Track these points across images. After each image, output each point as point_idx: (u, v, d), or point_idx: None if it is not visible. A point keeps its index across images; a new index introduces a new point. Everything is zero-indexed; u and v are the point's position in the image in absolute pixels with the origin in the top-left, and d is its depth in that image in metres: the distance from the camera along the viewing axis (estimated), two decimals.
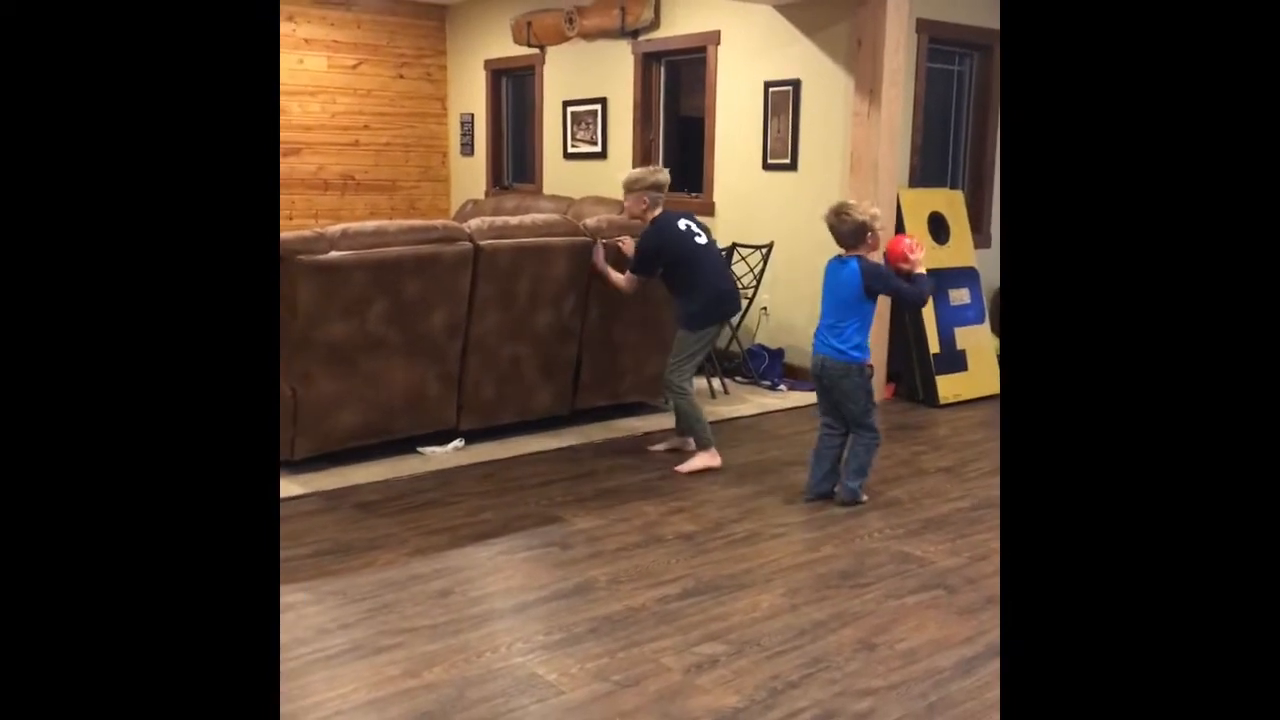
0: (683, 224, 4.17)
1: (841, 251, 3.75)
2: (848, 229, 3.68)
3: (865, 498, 3.82)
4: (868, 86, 5.25)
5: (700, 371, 5.48)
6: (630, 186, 4.20)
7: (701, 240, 4.19)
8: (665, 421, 4.72)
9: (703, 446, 4.18)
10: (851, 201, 3.81)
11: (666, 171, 4.36)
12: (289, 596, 2.89)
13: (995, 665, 2.58)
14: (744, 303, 5.74)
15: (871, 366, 3.80)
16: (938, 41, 5.77)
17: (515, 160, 8.26)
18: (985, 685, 2.48)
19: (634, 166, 6.81)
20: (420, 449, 4.32)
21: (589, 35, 7.00)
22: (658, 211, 4.19)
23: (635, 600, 2.92)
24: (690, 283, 4.14)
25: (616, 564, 3.18)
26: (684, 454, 4.28)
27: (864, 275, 3.66)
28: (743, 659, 2.58)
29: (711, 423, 4.91)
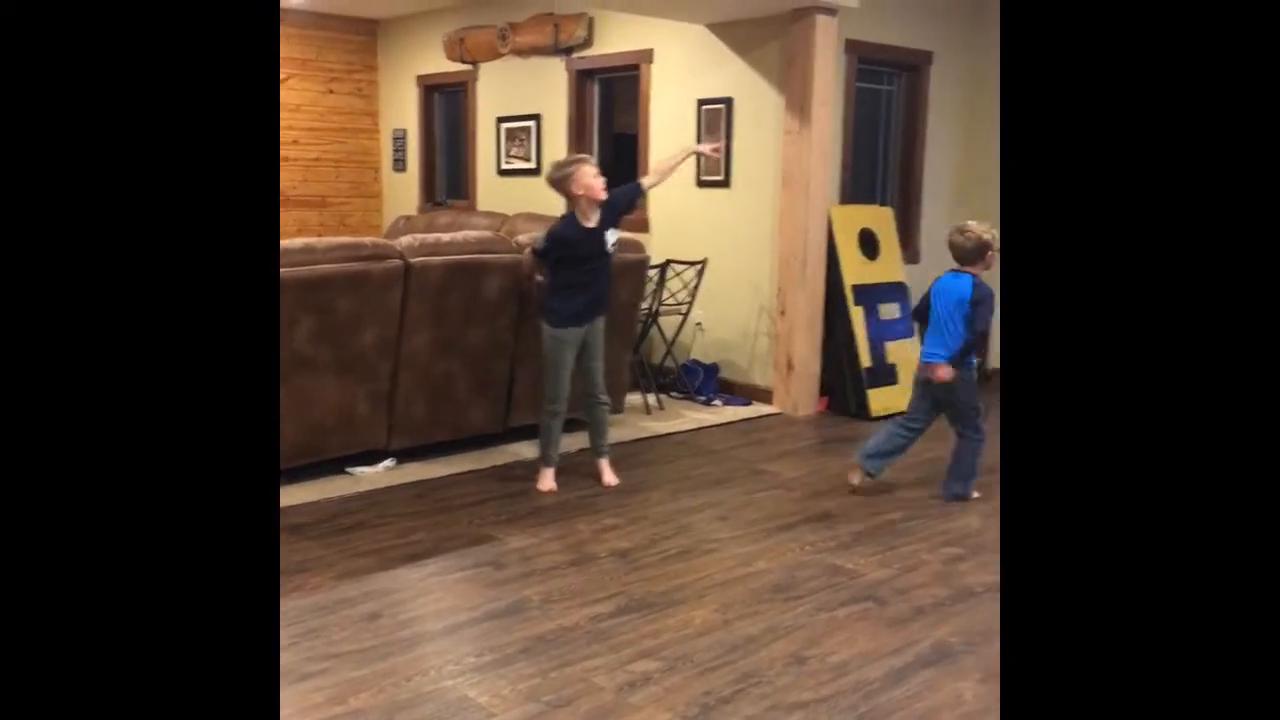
0: (570, 229, 3.97)
1: (956, 267, 4.01)
2: (970, 246, 3.93)
3: (976, 494, 4.09)
4: (798, 105, 5.32)
5: (636, 387, 5.50)
6: (555, 177, 4.04)
7: (581, 249, 3.98)
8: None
9: (547, 465, 4.13)
10: (973, 222, 4.05)
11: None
12: None
13: (924, 675, 2.61)
14: (678, 319, 5.78)
15: (972, 370, 4.04)
16: (866, 61, 5.88)
17: (449, 176, 8.20)
18: (915, 695, 2.51)
19: None
20: (350, 469, 4.24)
21: (522, 52, 7.00)
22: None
23: (568, 619, 2.89)
24: (572, 283, 3.96)
25: (549, 583, 3.16)
26: (599, 471, 4.21)
27: (975, 290, 3.89)
28: (675, 676, 2.58)
29: (646, 439, 4.91)
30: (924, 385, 4.06)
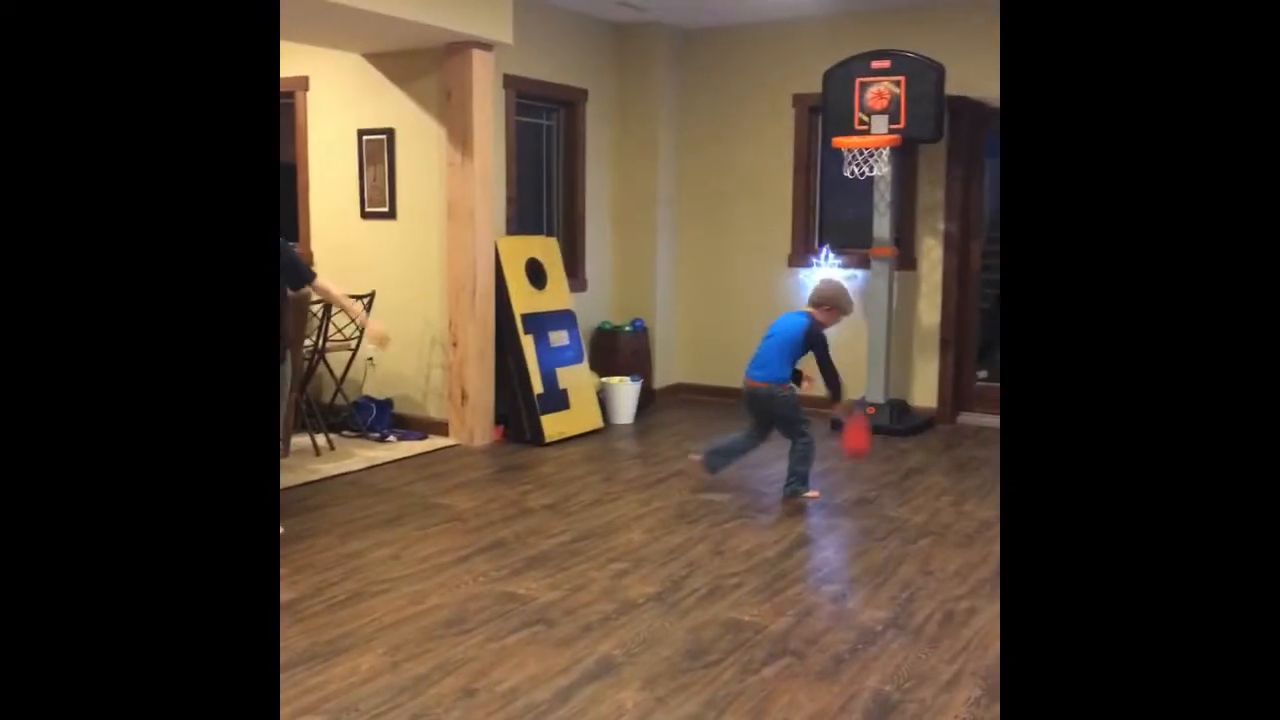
0: None
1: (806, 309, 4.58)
2: (824, 292, 4.54)
3: (812, 493, 4.56)
4: (460, 137, 5.38)
5: (304, 428, 5.27)
6: None
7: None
8: None
9: None
10: (841, 282, 4.77)
11: None
12: None
13: (588, 690, 2.71)
14: (347, 354, 5.61)
15: (791, 387, 4.52)
16: (525, 96, 6.06)
17: None
18: (580, 711, 2.60)
19: None
20: None
21: None
22: None
23: None
24: None
25: None
26: None
27: (809, 331, 4.45)
28: None
29: (316, 481, 4.73)
30: (748, 401, 4.59)
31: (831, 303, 4.50)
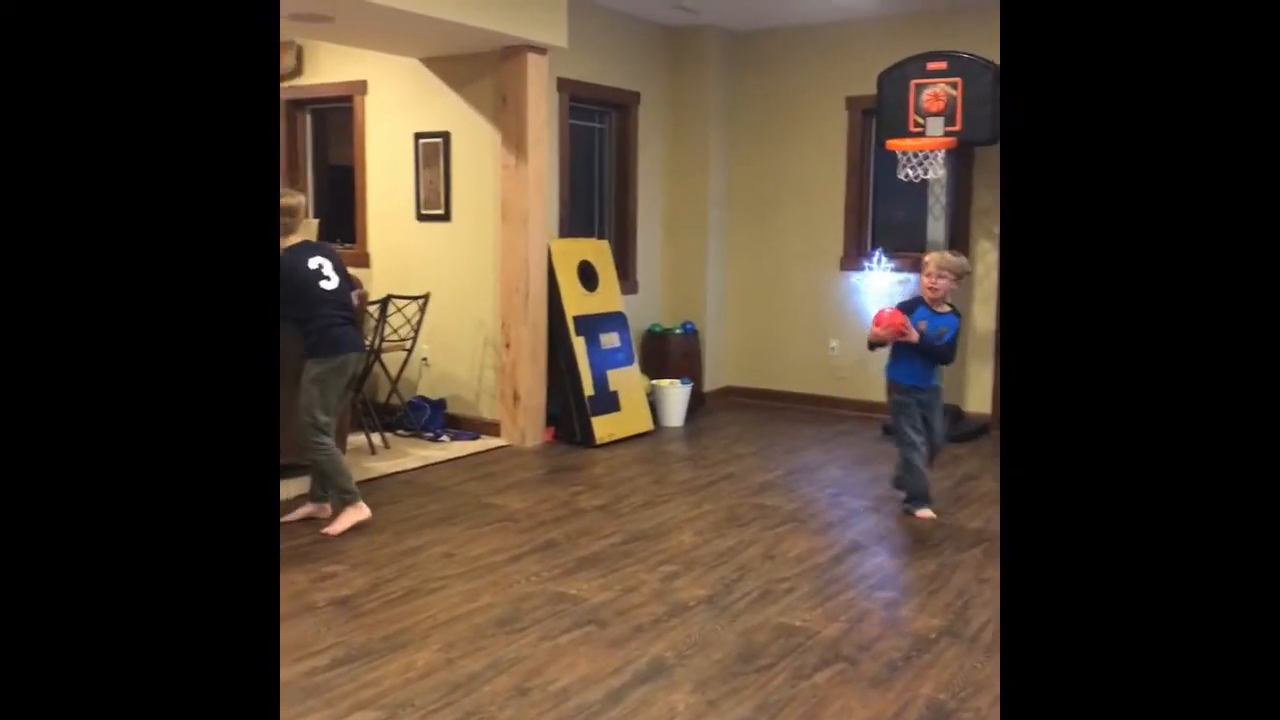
0: (314, 262, 3.97)
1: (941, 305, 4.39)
2: (952, 263, 4.36)
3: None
4: (514, 140, 5.43)
5: (360, 427, 5.36)
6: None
7: (329, 285, 3.99)
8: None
9: (349, 501, 4.05)
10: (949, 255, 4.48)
11: (299, 196, 4.10)
12: None
13: (641, 691, 2.72)
14: (403, 354, 5.69)
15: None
16: (578, 99, 6.10)
17: None
18: (633, 712, 2.61)
19: None
20: None
21: None
22: (292, 239, 3.94)
23: (281, 675, 2.77)
24: (304, 317, 3.93)
25: None
26: (322, 519, 4.12)
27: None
28: None
29: (372, 479, 4.80)
30: (919, 405, 4.34)
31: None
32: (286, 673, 2.79)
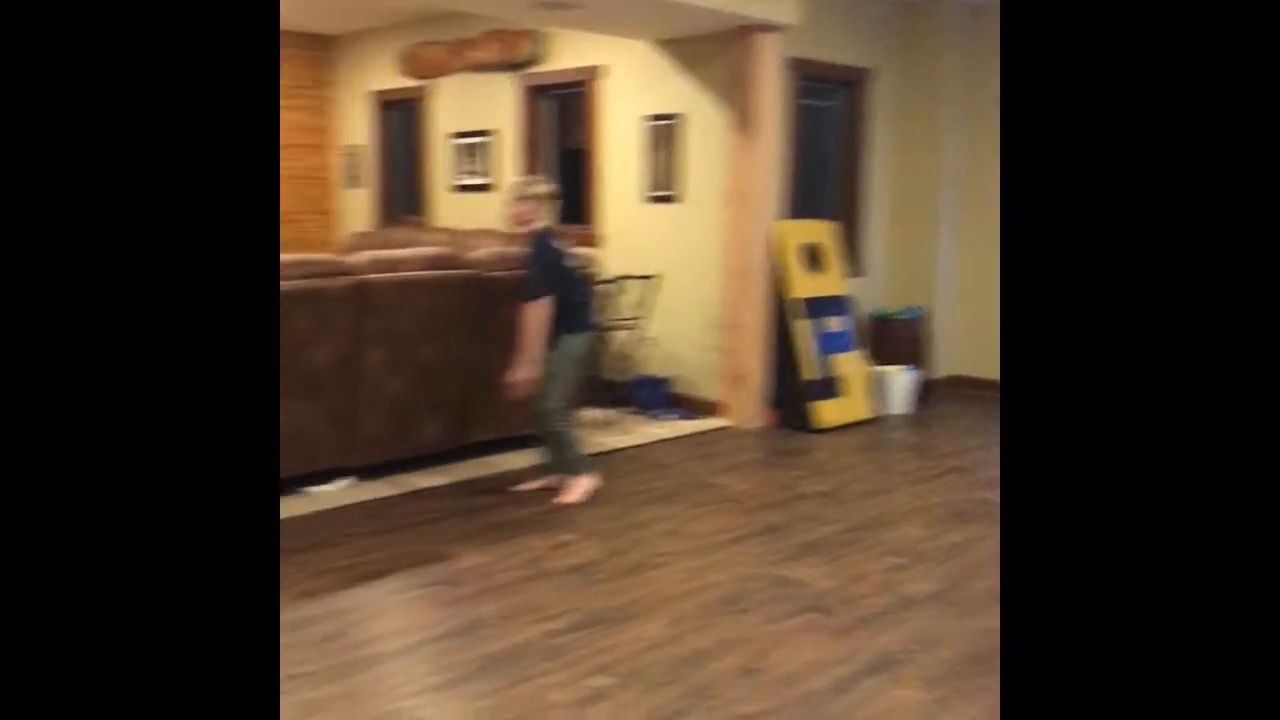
0: (559, 243, 4.18)
1: None
2: None
3: None
4: (744, 121, 5.45)
5: (588, 402, 5.58)
6: (523, 192, 4.11)
7: (573, 265, 4.22)
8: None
9: (582, 471, 4.27)
10: None
11: (551, 184, 4.26)
12: None
13: (868, 683, 2.72)
14: (630, 333, 5.87)
15: None
16: (808, 78, 6.03)
17: (403, 192, 8.22)
18: (859, 704, 2.61)
19: None
20: (306, 489, 4.27)
21: (474, 68, 7.05)
22: (542, 224, 4.15)
23: (523, 636, 2.96)
24: (559, 294, 4.12)
25: (504, 600, 3.22)
26: (555, 489, 4.30)
27: None
28: (628, 691, 2.66)
29: (597, 454, 4.99)
30: None
31: None
32: (529, 633, 2.98)
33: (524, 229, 4.13)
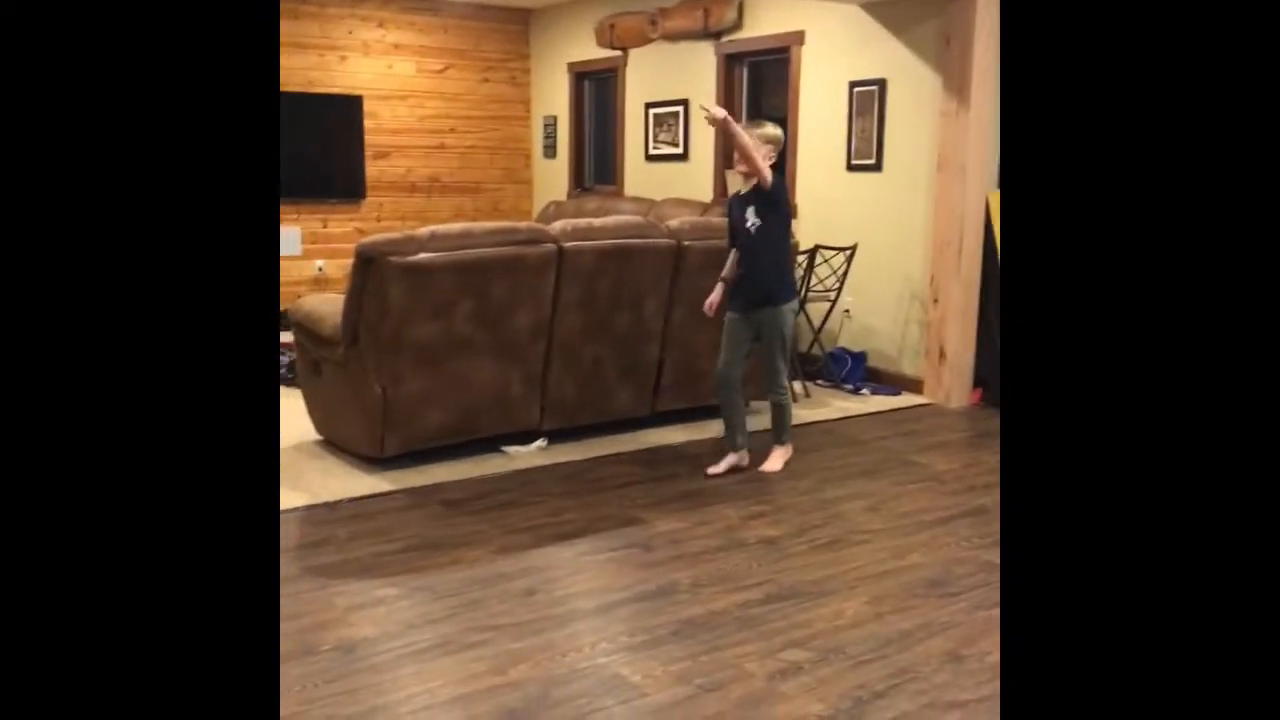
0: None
1: None
2: None
3: None
4: (956, 85, 5.15)
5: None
6: (768, 135, 3.98)
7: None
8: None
9: (785, 441, 4.27)
10: None
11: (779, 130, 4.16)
12: (379, 591, 2.96)
13: None
14: (826, 305, 5.70)
15: None
16: None
17: (597, 162, 8.31)
18: None
19: (715, 169, 6.80)
20: (504, 448, 4.38)
21: (671, 37, 7.01)
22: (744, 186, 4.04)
23: (717, 604, 2.91)
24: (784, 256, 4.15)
25: (698, 567, 3.18)
26: (743, 467, 4.18)
27: None
28: (827, 667, 2.56)
29: (794, 426, 4.87)
30: None
31: None
32: (723, 602, 2.93)
33: (764, 176, 3.88)
